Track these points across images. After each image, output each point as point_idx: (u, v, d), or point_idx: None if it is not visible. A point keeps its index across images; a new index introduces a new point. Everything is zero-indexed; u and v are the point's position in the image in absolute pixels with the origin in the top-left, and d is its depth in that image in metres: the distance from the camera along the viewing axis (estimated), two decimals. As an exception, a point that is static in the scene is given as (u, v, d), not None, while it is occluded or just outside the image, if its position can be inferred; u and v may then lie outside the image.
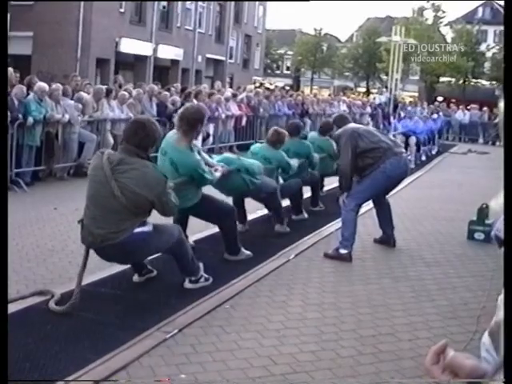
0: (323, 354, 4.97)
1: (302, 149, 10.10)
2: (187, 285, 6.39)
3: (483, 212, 9.20)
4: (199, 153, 7.30)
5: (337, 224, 9.50)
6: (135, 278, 6.43)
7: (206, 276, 6.53)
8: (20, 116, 12.10)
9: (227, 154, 8.02)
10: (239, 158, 8.24)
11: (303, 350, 5.03)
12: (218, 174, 7.26)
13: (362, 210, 9.35)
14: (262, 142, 10.16)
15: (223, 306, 5.92)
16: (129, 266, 6.48)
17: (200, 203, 7.04)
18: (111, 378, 4.31)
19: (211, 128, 18.55)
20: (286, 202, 10.19)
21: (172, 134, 7.09)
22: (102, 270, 6.60)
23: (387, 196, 8.68)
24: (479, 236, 9.15)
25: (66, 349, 4.75)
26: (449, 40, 59.03)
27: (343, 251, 7.79)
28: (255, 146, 9.64)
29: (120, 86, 17.18)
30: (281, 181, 9.41)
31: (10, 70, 12.72)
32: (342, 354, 5.02)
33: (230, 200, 8.41)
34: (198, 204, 7.01)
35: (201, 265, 6.52)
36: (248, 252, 7.64)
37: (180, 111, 7.17)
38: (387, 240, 8.62)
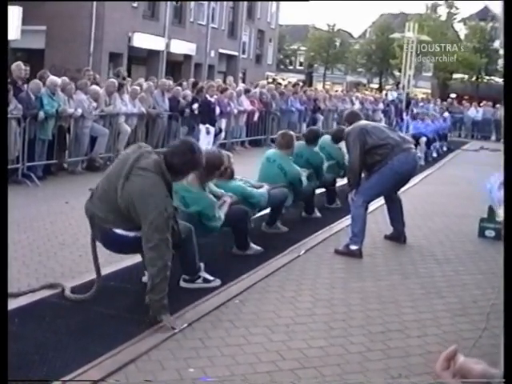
0: (332, 350, 4.98)
1: (314, 159, 10.02)
2: (182, 283, 6.25)
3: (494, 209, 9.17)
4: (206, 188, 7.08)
5: (347, 220, 9.51)
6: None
7: (209, 278, 6.35)
8: (41, 113, 12.15)
9: (240, 185, 7.85)
10: (250, 190, 8.03)
11: (312, 345, 5.04)
12: (225, 209, 7.05)
13: (374, 206, 9.37)
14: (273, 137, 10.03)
15: (233, 300, 5.94)
16: (138, 260, 6.47)
17: None
18: (120, 371, 4.33)
19: (223, 123, 18.58)
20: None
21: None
22: (111, 263, 6.62)
23: (398, 192, 8.67)
24: (490, 233, 9.13)
25: (75, 342, 4.77)
26: (462, 37, 58.83)
27: (353, 247, 7.79)
28: (270, 153, 9.30)
29: (124, 79, 17.16)
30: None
31: (20, 63, 12.74)
32: (350, 349, 5.02)
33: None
34: None
35: (202, 265, 6.36)
36: (258, 247, 7.63)
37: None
38: (398, 236, 8.61)
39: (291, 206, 9.34)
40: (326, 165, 10.40)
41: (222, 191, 7.30)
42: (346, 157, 9.32)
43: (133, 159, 5.36)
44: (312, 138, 10.18)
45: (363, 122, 8.50)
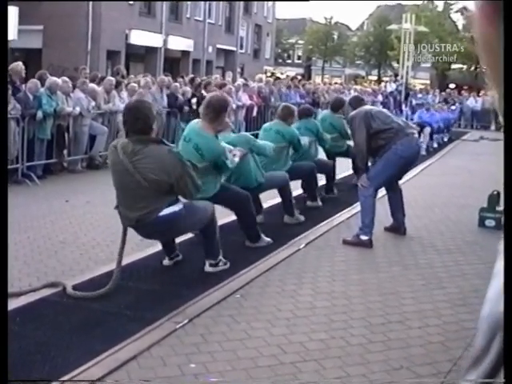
0: (333, 343, 4.99)
1: (310, 125, 10.35)
2: (208, 268, 6.55)
3: (494, 199, 9.17)
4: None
5: (348, 212, 9.54)
6: (165, 261, 6.75)
7: (224, 260, 6.68)
8: (39, 113, 12.16)
9: (244, 133, 8.27)
10: (255, 139, 8.36)
11: (313, 338, 5.04)
12: (236, 160, 7.29)
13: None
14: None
15: (233, 295, 5.94)
16: (138, 258, 6.51)
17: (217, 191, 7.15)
18: (121, 368, 4.34)
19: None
20: (299, 191, 10.25)
21: (196, 122, 7.27)
22: (112, 261, 6.62)
23: (399, 183, 8.67)
24: (490, 223, 9.12)
25: (76, 340, 4.78)
26: (460, 27, 58.75)
27: (364, 237, 7.80)
28: (266, 124, 9.89)
29: (123, 77, 17.14)
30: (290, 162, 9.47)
31: (19, 63, 12.77)
32: (351, 342, 5.03)
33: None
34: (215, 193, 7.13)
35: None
36: (268, 239, 7.73)
37: (206, 99, 7.37)
38: (398, 228, 8.60)
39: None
40: (328, 135, 10.66)
41: (231, 147, 7.49)
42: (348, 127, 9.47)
43: (125, 159, 5.78)
44: (305, 113, 10.55)
45: (367, 107, 8.57)
